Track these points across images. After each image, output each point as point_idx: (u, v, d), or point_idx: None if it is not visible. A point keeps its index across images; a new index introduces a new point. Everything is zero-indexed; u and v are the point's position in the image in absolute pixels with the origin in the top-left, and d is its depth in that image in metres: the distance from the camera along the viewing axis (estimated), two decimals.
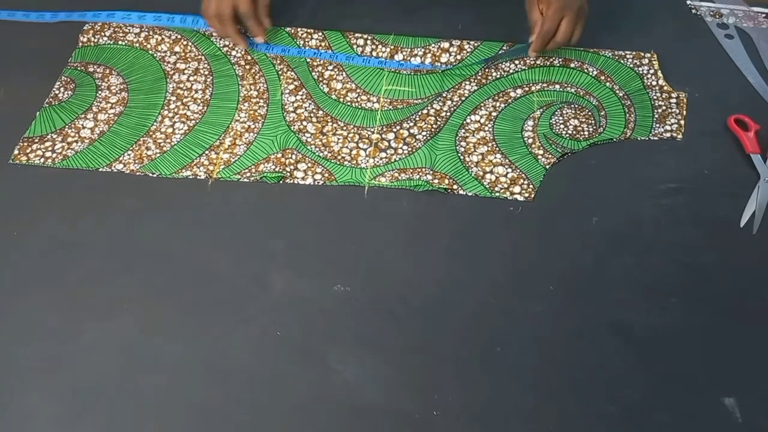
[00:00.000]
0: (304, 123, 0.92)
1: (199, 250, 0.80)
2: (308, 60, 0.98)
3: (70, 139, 0.90)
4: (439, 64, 0.97)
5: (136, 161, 0.88)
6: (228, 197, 0.85)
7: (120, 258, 0.80)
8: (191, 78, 0.97)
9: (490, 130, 0.91)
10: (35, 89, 0.96)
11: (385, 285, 0.77)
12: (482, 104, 0.94)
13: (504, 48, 1.00)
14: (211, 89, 0.96)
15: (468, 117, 0.92)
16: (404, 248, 0.81)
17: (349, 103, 0.94)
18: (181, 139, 0.90)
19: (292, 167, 0.87)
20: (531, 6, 0.95)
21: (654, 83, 0.96)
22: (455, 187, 0.85)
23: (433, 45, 1.00)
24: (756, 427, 0.68)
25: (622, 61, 0.98)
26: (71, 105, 0.94)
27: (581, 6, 0.93)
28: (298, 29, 1.02)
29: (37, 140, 0.90)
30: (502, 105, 0.94)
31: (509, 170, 0.87)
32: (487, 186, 0.85)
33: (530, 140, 0.90)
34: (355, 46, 1.01)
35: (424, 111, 0.93)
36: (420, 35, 1.01)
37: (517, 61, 0.98)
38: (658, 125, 0.91)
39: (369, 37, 1.02)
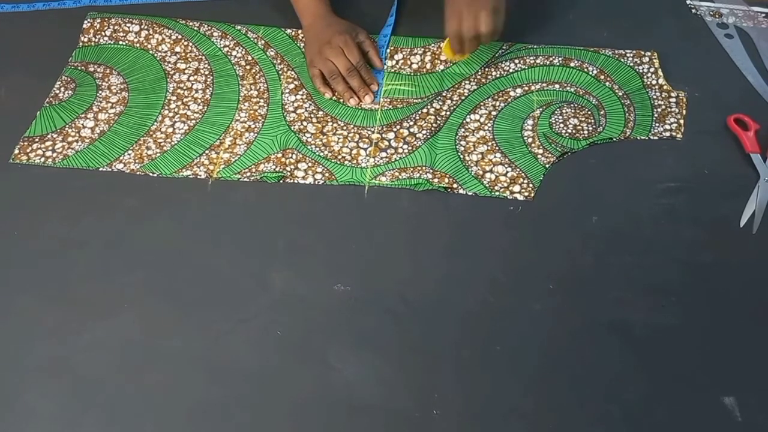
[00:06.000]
0: (305, 123, 0.92)
1: (200, 250, 0.80)
2: None
3: (70, 139, 0.90)
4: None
5: (137, 161, 0.88)
6: (228, 197, 0.85)
7: (120, 257, 0.80)
8: (192, 78, 0.98)
9: (490, 129, 0.91)
10: (35, 89, 0.96)
11: (385, 284, 0.77)
12: (482, 103, 0.94)
13: (503, 47, 1.00)
14: (211, 89, 0.96)
15: (468, 116, 0.92)
16: (404, 247, 0.81)
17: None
18: (182, 138, 0.91)
19: (292, 167, 0.87)
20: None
21: (654, 82, 0.96)
22: (455, 186, 0.85)
23: (433, 45, 1.00)
24: (756, 426, 0.68)
25: (622, 60, 0.98)
26: (71, 104, 0.94)
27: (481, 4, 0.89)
28: (299, 31, 1.02)
29: (37, 140, 0.90)
30: (502, 104, 0.94)
31: (509, 169, 0.87)
32: (487, 185, 0.85)
33: (530, 139, 0.90)
34: None
35: (424, 110, 0.93)
36: (420, 35, 1.01)
37: (516, 61, 0.98)
38: (657, 125, 0.91)
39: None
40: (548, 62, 0.98)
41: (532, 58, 0.99)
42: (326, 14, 0.99)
